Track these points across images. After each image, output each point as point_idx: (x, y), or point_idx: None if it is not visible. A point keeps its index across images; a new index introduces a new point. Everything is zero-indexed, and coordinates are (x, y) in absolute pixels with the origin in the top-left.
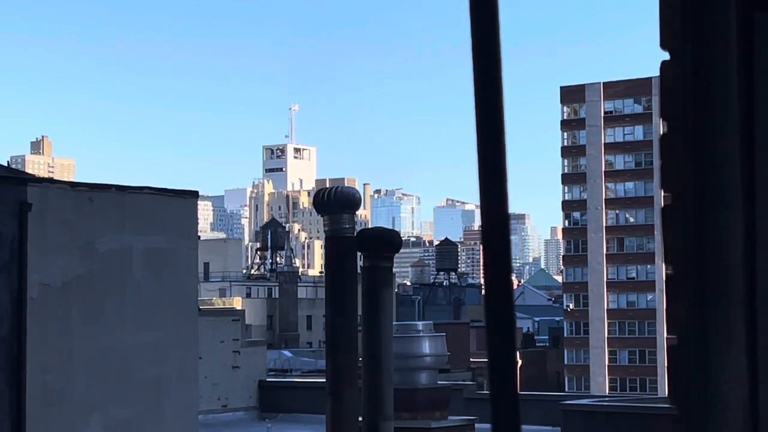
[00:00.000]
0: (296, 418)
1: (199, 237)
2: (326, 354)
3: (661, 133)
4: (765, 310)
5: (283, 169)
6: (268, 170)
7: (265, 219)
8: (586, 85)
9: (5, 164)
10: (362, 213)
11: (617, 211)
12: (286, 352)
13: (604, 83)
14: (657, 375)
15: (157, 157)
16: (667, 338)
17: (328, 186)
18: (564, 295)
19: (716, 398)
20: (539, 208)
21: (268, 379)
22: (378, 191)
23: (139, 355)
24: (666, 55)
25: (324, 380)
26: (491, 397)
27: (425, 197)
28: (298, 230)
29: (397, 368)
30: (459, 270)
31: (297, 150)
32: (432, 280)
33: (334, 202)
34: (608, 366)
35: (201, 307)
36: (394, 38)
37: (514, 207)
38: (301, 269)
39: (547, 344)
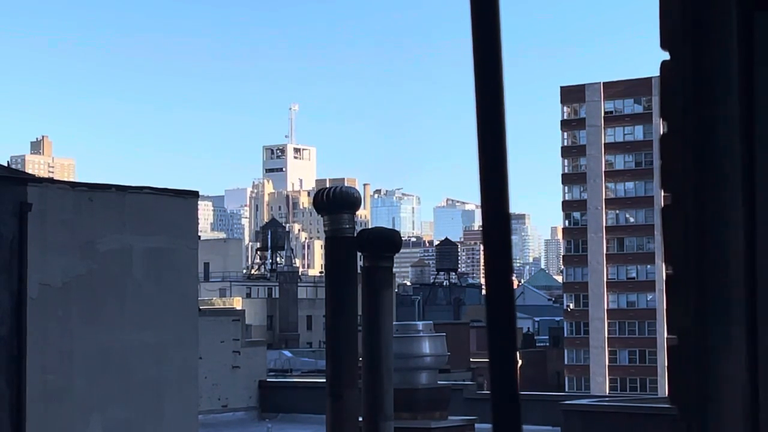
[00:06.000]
0: (296, 418)
1: (199, 237)
2: (326, 354)
3: (661, 133)
4: (765, 310)
5: (283, 169)
6: (268, 170)
7: (265, 219)
8: (586, 85)
9: (5, 164)
10: (362, 213)
11: (617, 211)
12: (286, 352)
13: (604, 83)
14: (657, 375)
15: (157, 157)
16: (667, 338)
17: (328, 186)
18: (564, 295)
19: (716, 398)
20: (539, 208)
21: (268, 379)
22: (378, 191)
23: (139, 355)
24: (666, 55)
25: (324, 380)
26: (492, 397)
27: (425, 197)
28: (298, 230)
29: (397, 368)
30: (459, 270)
31: (297, 150)
32: (432, 280)
33: (334, 202)
34: (608, 366)
35: (201, 307)
36: (394, 38)
37: (514, 207)
38: (301, 269)
39: (548, 344)
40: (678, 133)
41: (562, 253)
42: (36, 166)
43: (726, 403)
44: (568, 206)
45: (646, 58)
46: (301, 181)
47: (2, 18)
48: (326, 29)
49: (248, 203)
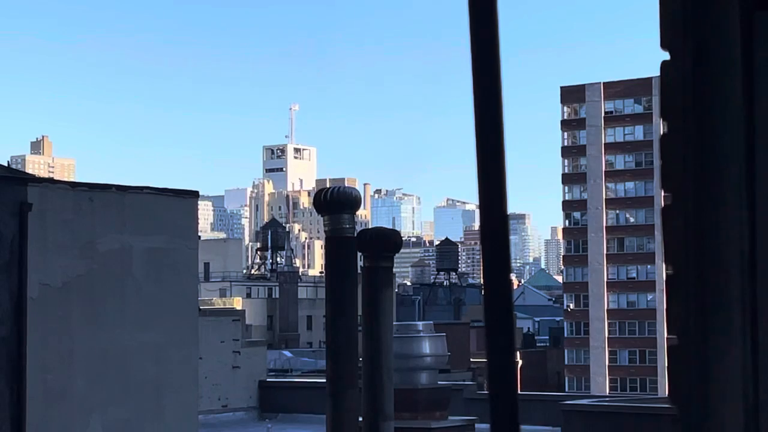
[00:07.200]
0: (296, 418)
1: (199, 237)
2: (326, 354)
3: (661, 133)
4: (765, 310)
5: (283, 169)
6: (268, 170)
7: (266, 219)
8: (586, 85)
9: (5, 164)
10: (362, 213)
11: (617, 211)
12: (286, 352)
13: (604, 83)
14: (657, 375)
15: (157, 157)
16: (667, 338)
17: (328, 186)
18: (564, 295)
19: (716, 398)
20: (539, 208)
21: (268, 379)
22: (378, 191)
23: (139, 355)
24: (666, 55)
25: (324, 380)
26: (491, 398)
27: (425, 197)
28: (299, 230)
29: (397, 368)
30: (459, 270)
31: (297, 150)
32: (432, 280)
33: (334, 202)
34: (608, 366)
35: (201, 307)
36: (394, 38)
37: (514, 207)
38: (301, 269)
39: (548, 344)
40: (678, 133)
41: (562, 253)
42: (36, 166)
43: (726, 403)
44: (568, 206)
45: (646, 58)
46: (301, 181)
47: (2, 18)
48: (327, 29)
49: (248, 203)
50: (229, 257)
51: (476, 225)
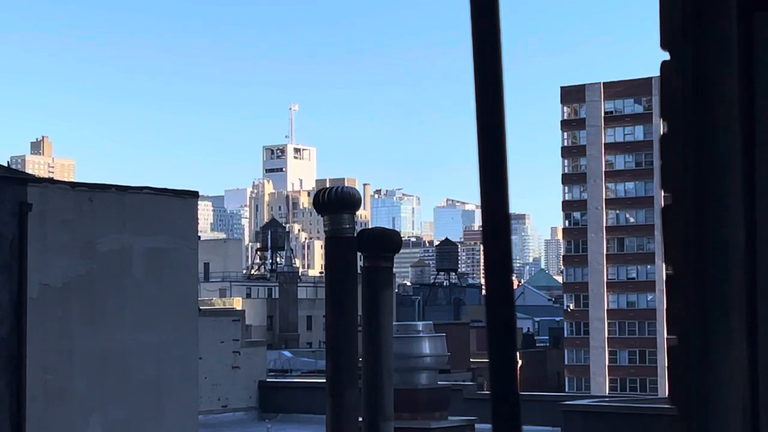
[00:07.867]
0: (296, 418)
1: (199, 237)
2: (326, 354)
3: (661, 133)
4: (765, 309)
5: (283, 169)
6: (268, 170)
7: (265, 219)
8: (586, 85)
9: (5, 164)
10: (362, 213)
11: (617, 211)
12: (286, 353)
13: (604, 83)
14: (657, 375)
15: (157, 157)
16: (667, 338)
17: (328, 186)
18: (564, 295)
19: (716, 398)
20: (539, 208)
21: (268, 380)
22: (378, 191)
23: (139, 355)
24: (666, 55)
25: (324, 380)
26: (491, 398)
27: (425, 197)
28: (298, 230)
29: (397, 368)
30: (459, 270)
31: (297, 150)
32: (432, 280)
33: (334, 202)
34: (608, 366)
35: (201, 307)
36: (394, 38)
37: (514, 207)
38: (301, 269)
39: (548, 344)
40: (678, 133)
41: (562, 253)
42: (36, 167)
43: (726, 403)
44: (568, 206)
45: (646, 58)
46: (301, 181)
47: (2, 18)
48: (327, 29)
49: (248, 203)
50: (229, 257)
51: (476, 225)
